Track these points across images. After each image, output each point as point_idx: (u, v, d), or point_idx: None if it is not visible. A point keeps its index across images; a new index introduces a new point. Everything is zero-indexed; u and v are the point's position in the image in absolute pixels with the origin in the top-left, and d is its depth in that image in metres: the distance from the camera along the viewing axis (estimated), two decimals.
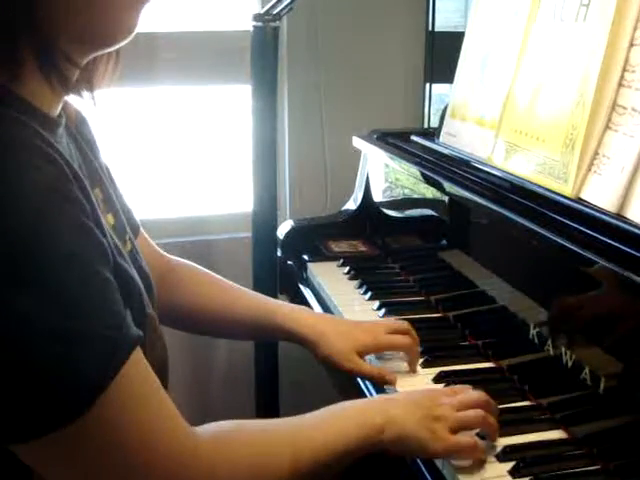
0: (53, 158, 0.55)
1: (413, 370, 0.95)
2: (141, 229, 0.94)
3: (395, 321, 1.01)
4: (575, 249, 0.78)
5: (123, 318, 0.58)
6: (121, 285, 0.60)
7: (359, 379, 0.96)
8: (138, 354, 0.58)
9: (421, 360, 0.97)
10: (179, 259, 1.02)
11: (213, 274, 1.02)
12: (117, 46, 0.64)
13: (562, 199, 0.88)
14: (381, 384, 0.93)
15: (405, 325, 0.98)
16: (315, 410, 0.73)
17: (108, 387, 0.54)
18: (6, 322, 0.52)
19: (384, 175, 1.38)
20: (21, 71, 0.58)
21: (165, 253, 1.01)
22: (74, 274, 0.54)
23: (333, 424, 0.71)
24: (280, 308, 0.99)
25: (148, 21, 0.65)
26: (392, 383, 0.92)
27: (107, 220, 0.73)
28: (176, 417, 0.61)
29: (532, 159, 0.97)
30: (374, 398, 0.87)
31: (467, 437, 0.75)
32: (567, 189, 0.88)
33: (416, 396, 0.78)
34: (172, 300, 0.96)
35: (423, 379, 0.94)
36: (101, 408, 0.54)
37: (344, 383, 0.99)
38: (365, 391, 0.95)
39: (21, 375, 0.52)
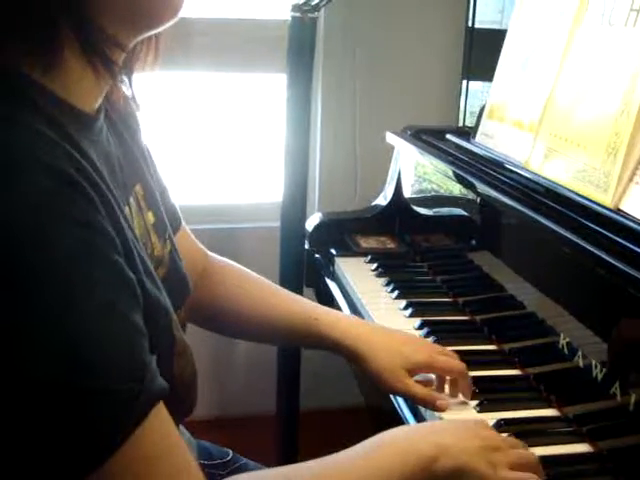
0: (81, 187, 0.51)
1: (467, 399, 0.88)
2: (183, 224, 0.89)
3: (443, 347, 0.94)
4: (611, 260, 0.77)
5: (147, 369, 0.53)
6: (150, 315, 0.57)
7: (391, 396, 0.92)
8: (160, 409, 0.54)
9: None
10: (220, 257, 0.97)
11: (254, 275, 0.97)
12: (163, 27, 0.61)
13: (600, 208, 0.86)
14: (430, 408, 0.86)
15: (455, 355, 0.91)
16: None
17: (123, 445, 0.51)
18: (14, 375, 0.48)
19: (416, 172, 1.36)
20: (58, 60, 0.55)
21: (207, 250, 0.96)
22: (99, 323, 0.50)
23: (381, 467, 0.64)
24: (325, 316, 0.92)
25: (187, 6, 0.63)
26: (442, 409, 0.85)
27: (147, 219, 0.70)
28: (194, 475, 0.56)
29: (571, 165, 0.95)
30: (418, 427, 0.78)
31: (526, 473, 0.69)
32: (606, 199, 0.86)
33: (469, 425, 0.72)
34: (210, 301, 0.92)
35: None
36: (114, 466, 0.50)
37: (375, 395, 0.95)
38: (397, 408, 0.92)
39: (29, 431, 0.49)
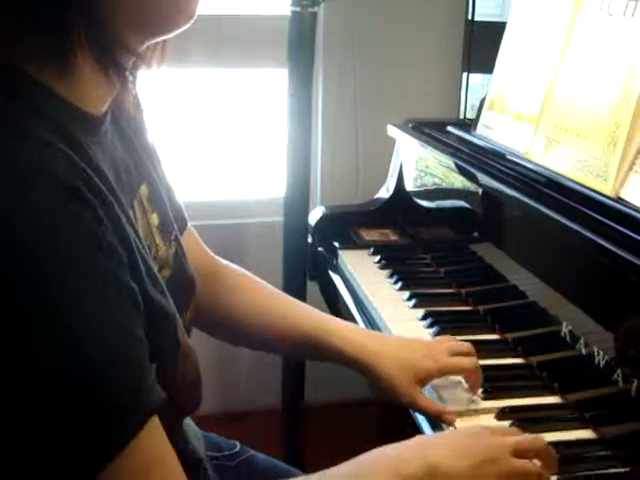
0: (86, 199, 0.52)
1: (475, 393, 0.87)
2: (189, 225, 0.88)
3: (455, 341, 0.92)
4: (612, 248, 0.77)
5: (144, 380, 0.54)
6: (154, 321, 0.57)
7: None
8: (154, 422, 0.54)
9: None
10: (225, 262, 0.95)
11: (259, 281, 0.95)
12: (175, 32, 0.61)
13: (601, 197, 0.87)
14: (438, 421, 0.84)
15: (466, 346, 0.89)
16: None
17: (116, 456, 0.51)
18: (17, 384, 0.49)
19: (418, 165, 1.37)
20: (70, 62, 0.55)
21: (213, 254, 0.94)
22: (99, 334, 0.51)
23: None
24: (333, 326, 0.90)
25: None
26: (450, 423, 0.82)
27: (151, 220, 0.70)
28: None
29: (571, 155, 0.95)
30: (409, 443, 0.74)
31: None
32: (607, 188, 0.87)
33: (462, 437, 0.67)
34: (215, 308, 0.90)
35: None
36: (105, 477, 0.51)
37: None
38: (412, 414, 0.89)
39: (26, 439, 0.50)
